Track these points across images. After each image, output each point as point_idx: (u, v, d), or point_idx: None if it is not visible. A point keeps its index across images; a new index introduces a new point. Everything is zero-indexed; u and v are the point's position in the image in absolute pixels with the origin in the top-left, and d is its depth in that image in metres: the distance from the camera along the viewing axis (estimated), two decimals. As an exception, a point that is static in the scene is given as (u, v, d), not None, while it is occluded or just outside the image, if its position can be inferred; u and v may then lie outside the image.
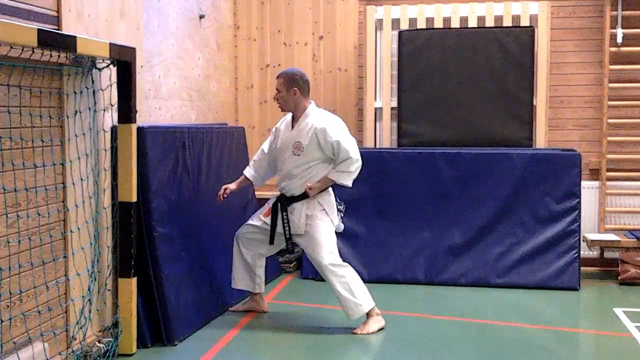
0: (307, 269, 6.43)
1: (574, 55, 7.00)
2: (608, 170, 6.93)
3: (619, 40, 6.78)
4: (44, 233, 3.89)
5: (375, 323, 5.02)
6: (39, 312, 3.80)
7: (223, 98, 7.13)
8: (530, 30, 6.69)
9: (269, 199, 5.29)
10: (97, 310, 4.40)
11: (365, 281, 5.20)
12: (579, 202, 6.26)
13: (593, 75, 6.97)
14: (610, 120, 6.91)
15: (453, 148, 6.57)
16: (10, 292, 3.55)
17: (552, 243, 6.24)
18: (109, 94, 4.45)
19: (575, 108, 7.04)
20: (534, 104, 6.75)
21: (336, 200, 5.22)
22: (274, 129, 5.33)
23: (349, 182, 5.04)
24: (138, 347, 4.60)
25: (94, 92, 4.32)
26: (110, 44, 4.13)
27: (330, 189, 5.12)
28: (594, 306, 6.02)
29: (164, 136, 4.97)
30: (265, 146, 5.37)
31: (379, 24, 7.09)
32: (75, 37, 3.77)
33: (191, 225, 5.25)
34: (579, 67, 6.99)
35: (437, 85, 6.77)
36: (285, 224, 5.07)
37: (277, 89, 5.11)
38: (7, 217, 3.56)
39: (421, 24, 6.93)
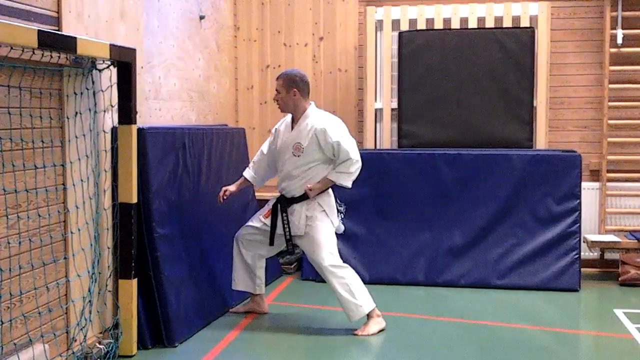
0: (308, 270, 6.43)
1: (574, 56, 7.00)
2: (608, 171, 6.92)
3: (619, 41, 6.78)
4: (44, 234, 3.89)
5: (376, 324, 5.02)
6: (39, 313, 3.80)
7: (223, 99, 7.12)
8: (531, 31, 6.69)
9: (269, 200, 5.29)
10: (98, 311, 4.40)
11: (365, 282, 5.20)
12: (580, 203, 6.26)
13: (593, 76, 6.97)
14: (610, 121, 6.91)
15: (453, 149, 6.56)
16: (10, 294, 3.55)
17: (553, 244, 6.24)
18: (109, 95, 4.45)
19: (575, 109, 7.04)
20: (534, 104, 6.75)
21: (336, 201, 5.21)
22: (273, 130, 5.33)
23: (348, 183, 5.04)
24: (138, 349, 4.59)
25: (94, 93, 4.32)
26: (111, 44, 4.13)
27: (330, 190, 5.12)
28: (594, 307, 6.02)
29: (164, 137, 4.97)
30: (264, 147, 5.37)
31: (379, 24, 7.09)
32: (75, 38, 3.77)
33: (191, 226, 5.25)
34: (579, 68, 7.00)
35: (438, 86, 6.77)
36: (286, 225, 5.07)
37: (276, 90, 5.11)
38: (7, 218, 3.56)
39: (421, 25, 6.93)
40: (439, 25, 6.91)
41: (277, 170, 5.25)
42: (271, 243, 5.20)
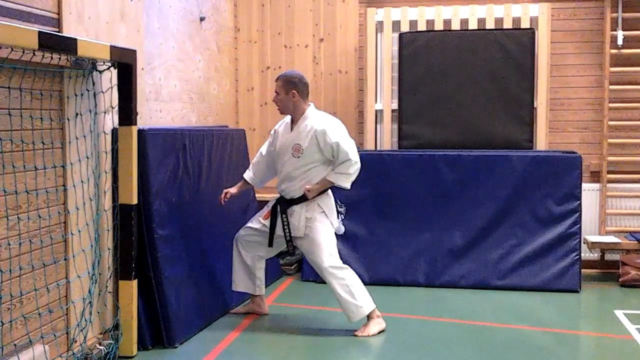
0: (308, 272, 6.43)
1: (574, 57, 7.00)
2: (608, 172, 6.93)
3: (620, 42, 6.78)
4: (44, 235, 3.90)
5: (376, 325, 5.02)
6: (39, 314, 3.80)
7: (223, 100, 7.13)
8: (531, 32, 6.69)
9: (270, 201, 5.29)
10: (98, 312, 4.40)
11: (365, 283, 5.20)
12: (580, 204, 6.26)
13: (593, 77, 6.97)
14: (610, 123, 6.91)
15: (453, 150, 6.57)
16: (10, 295, 3.55)
17: (553, 245, 6.24)
18: (110, 97, 4.46)
19: (575, 110, 7.04)
20: (535, 106, 6.75)
21: (337, 202, 5.21)
22: (272, 132, 5.34)
23: (347, 184, 5.04)
24: (138, 349, 4.60)
25: (94, 95, 4.32)
26: (111, 46, 4.14)
27: (329, 191, 5.13)
28: (594, 308, 6.01)
29: (165, 138, 4.97)
30: (263, 149, 5.38)
31: (380, 26, 7.09)
32: (75, 39, 3.78)
33: (192, 227, 5.26)
34: (580, 69, 7.00)
35: (438, 87, 6.77)
36: (285, 226, 5.07)
37: (275, 92, 5.12)
38: (7, 219, 3.57)
39: (421, 26, 6.93)
40: (439, 26, 6.91)
41: (276, 172, 5.25)
42: (270, 244, 5.21)
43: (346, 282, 4.97)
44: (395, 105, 7.02)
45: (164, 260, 4.79)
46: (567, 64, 7.00)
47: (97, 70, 4.30)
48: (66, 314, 4.13)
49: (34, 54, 3.61)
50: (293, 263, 6.88)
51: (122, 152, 4.46)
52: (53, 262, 3.94)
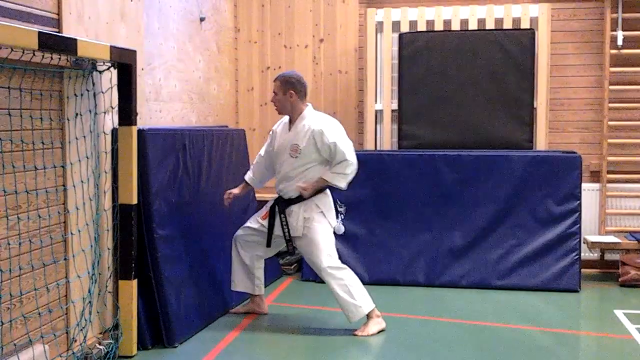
0: (308, 271, 6.43)
1: (574, 57, 7.01)
2: (608, 172, 6.93)
3: (620, 42, 6.78)
4: (44, 235, 3.90)
5: (376, 325, 5.02)
6: (39, 314, 3.81)
7: (223, 100, 7.14)
8: (531, 33, 6.69)
9: (269, 201, 5.30)
10: (98, 312, 4.41)
11: (365, 283, 5.21)
12: (580, 204, 6.26)
13: (593, 77, 6.98)
14: (610, 123, 6.91)
15: (453, 150, 6.57)
16: (10, 294, 3.56)
17: (553, 245, 6.24)
18: (110, 97, 4.46)
19: (575, 110, 7.04)
20: (535, 106, 6.75)
21: (337, 202, 5.22)
22: (271, 132, 5.35)
23: (343, 184, 5.03)
24: (138, 349, 4.60)
25: (94, 95, 4.33)
26: (111, 46, 4.14)
27: (327, 190, 5.13)
28: (594, 308, 6.02)
29: (165, 138, 4.98)
30: (262, 150, 5.40)
31: (380, 26, 7.09)
32: (75, 39, 3.78)
33: (191, 227, 5.26)
34: (580, 69, 7.00)
35: (438, 87, 6.78)
36: (284, 226, 5.08)
37: (274, 92, 5.14)
38: (7, 219, 3.57)
39: (421, 27, 6.94)
40: (439, 26, 6.91)
41: (275, 172, 5.26)
42: (268, 244, 5.22)
43: (345, 282, 4.97)
44: (395, 106, 7.02)
45: (164, 260, 4.79)
46: (567, 64, 7.00)
47: (97, 70, 4.31)
48: (66, 314, 4.14)
49: (34, 54, 3.61)
50: (293, 263, 6.88)
51: (122, 152, 4.46)
52: (53, 262, 3.94)
